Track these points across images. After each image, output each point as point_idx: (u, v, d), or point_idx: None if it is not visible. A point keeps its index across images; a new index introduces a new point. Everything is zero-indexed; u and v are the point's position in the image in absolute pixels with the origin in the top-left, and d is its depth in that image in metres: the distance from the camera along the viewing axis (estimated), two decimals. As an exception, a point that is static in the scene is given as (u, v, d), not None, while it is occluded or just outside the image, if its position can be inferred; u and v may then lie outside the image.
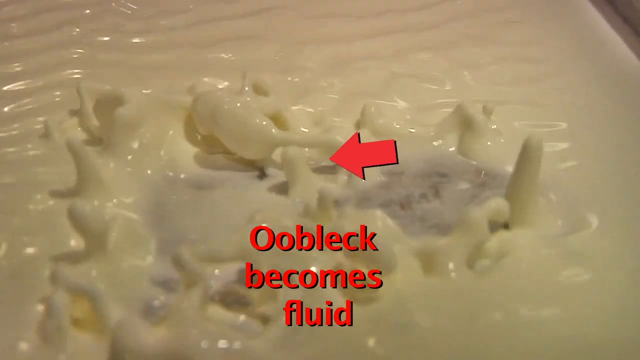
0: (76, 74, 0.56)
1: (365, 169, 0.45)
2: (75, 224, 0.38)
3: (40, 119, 0.51)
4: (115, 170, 0.45)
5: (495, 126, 0.48)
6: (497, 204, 0.40)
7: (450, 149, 0.48)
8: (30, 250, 0.40)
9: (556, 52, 0.59)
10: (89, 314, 0.37)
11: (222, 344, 0.33)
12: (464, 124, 0.48)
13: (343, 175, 0.45)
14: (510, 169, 0.42)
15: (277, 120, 0.47)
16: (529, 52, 0.59)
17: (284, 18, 0.63)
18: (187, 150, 0.47)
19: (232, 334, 0.34)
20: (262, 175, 0.46)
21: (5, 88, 0.55)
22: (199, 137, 0.48)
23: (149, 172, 0.46)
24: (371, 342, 0.35)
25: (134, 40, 0.61)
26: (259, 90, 0.49)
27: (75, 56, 0.59)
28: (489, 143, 0.48)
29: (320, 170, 0.46)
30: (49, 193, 0.44)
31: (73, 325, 0.36)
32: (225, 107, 0.45)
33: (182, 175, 0.46)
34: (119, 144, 0.46)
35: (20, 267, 0.40)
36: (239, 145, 0.46)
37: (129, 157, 0.46)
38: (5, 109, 0.53)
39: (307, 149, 0.46)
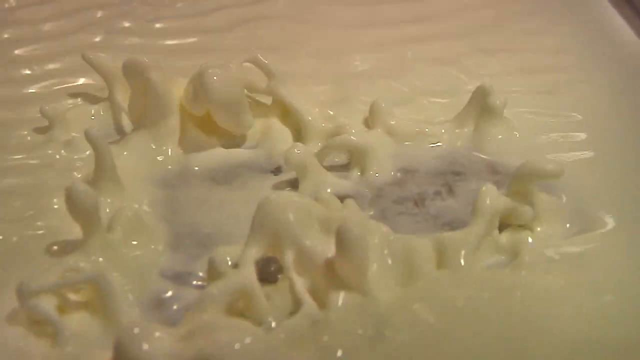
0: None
1: (378, 166, 0.45)
2: (70, 205, 0.38)
3: (58, 103, 0.51)
4: (131, 160, 0.46)
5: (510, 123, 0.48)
6: (524, 211, 0.41)
7: (465, 144, 0.48)
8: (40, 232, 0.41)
9: (576, 58, 0.58)
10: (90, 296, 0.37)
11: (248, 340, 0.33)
12: (481, 111, 0.48)
13: (356, 172, 0.46)
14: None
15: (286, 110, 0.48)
16: (550, 59, 0.58)
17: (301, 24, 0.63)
18: (202, 144, 0.47)
19: (253, 330, 0.34)
20: (277, 170, 0.46)
21: (26, 72, 0.56)
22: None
23: (165, 164, 0.46)
24: (379, 335, 0.35)
25: (156, 26, 0.62)
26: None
27: (97, 40, 0.60)
28: (500, 137, 0.48)
29: (333, 167, 0.46)
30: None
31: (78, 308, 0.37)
32: (210, 71, 0.45)
33: (197, 169, 0.46)
34: (150, 122, 0.46)
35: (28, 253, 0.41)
36: (223, 115, 0.46)
37: (153, 146, 0.46)
38: (25, 91, 0.54)
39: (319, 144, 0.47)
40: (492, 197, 0.40)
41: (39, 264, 0.39)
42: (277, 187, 0.45)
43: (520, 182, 0.41)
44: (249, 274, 0.36)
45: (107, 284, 0.36)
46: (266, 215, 0.37)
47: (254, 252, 0.37)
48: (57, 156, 0.47)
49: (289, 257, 0.37)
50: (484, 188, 0.41)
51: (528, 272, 0.38)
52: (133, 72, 0.47)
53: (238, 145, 0.48)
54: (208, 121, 0.47)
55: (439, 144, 0.48)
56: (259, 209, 0.37)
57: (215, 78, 0.45)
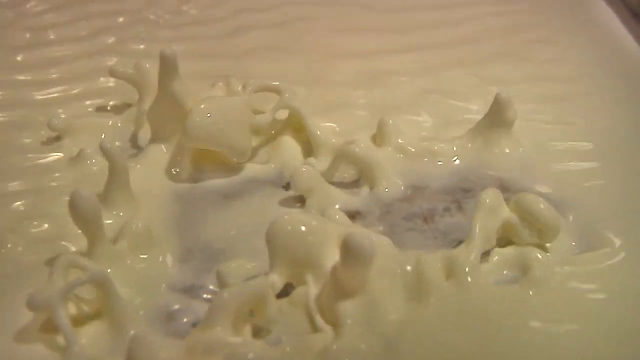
0: (110, 81, 0.56)
1: (388, 182, 0.46)
2: (72, 211, 0.38)
3: (71, 113, 0.53)
4: (144, 173, 0.46)
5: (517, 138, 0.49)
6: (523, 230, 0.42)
7: (475, 161, 0.48)
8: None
9: (584, 71, 0.58)
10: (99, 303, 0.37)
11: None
12: (493, 124, 0.48)
13: (365, 188, 0.46)
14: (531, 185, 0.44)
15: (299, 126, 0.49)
16: (558, 70, 0.58)
17: (314, 30, 0.64)
18: (214, 159, 0.47)
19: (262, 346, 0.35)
20: (288, 185, 0.46)
21: (40, 94, 0.56)
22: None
23: (178, 178, 0.47)
24: (390, 352, 0.35)
25: (166, 34, 0.63)
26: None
27: (110, 63, 0.60)
28: (507, 150, 0.48)
29: (342, 183, 0.46)
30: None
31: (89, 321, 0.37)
32: (195, 115, 0.45)
33: (209, 184, 0.47)
34: (167, 134, 0.47)
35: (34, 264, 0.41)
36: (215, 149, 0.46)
37: (167, 159, 0.47)
38: (40, 116, 0.53)
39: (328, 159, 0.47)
40: (492, 197, 0.41)
41: (45, 273, 0.39)
42: (288, 202, 0.45)
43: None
44: (263, 281, 0.36)
45: (108, 281, 0.36)
46: (280, 241, 0.37)
47: (276, 280, 0.37)
48: (67, 167, 0.48)
49: (310, 284, 0.37)
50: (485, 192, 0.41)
51: (538, 288, 0.39)
52: (165, 67, 0.47)
53: (249, 161, 0.48)
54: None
55: (453, 159, 0.48)
56: (270, 235, 0.37)
57: (198, 123, 0.45)
